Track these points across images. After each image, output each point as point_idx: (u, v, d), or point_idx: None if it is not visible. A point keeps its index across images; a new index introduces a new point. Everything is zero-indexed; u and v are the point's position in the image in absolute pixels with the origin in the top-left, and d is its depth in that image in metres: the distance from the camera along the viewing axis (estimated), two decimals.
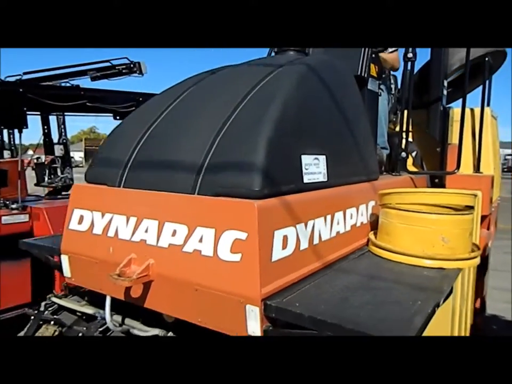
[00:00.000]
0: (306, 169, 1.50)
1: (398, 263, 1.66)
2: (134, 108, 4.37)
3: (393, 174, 2.62)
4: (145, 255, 1.44)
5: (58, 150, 5.66)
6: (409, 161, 2.87)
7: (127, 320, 1.69)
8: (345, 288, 1.38)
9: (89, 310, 1.81)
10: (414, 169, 3.04)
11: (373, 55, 2.40)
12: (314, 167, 1.55)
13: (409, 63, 2.54)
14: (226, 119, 1.51)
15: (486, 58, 3.11)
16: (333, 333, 1.09)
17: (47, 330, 1.88)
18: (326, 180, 1.62)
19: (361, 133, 2.06)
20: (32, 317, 1.94)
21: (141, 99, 4.67)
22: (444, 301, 1.45)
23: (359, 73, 2.27)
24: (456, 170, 2.72)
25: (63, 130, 5.95)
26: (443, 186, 2.99)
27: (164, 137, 1.62)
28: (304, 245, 1.42)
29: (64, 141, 5.92)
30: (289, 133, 1.45)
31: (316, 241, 1.49)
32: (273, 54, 2.84)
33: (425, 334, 1.17)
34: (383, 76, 2.69)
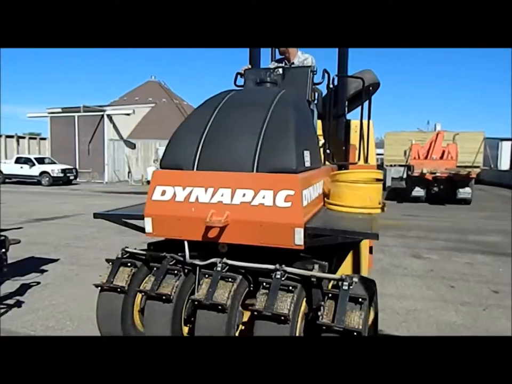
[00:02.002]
0: (305, 159, 2.66)
1: (346, 213, 2.93)
2: None
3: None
4: (222, 210, 2.41)
5: None
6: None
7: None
8: (332, 221, 2.59)
9: (160, 253, 2.67)
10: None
11: (313, 86, 3.67)
12: (307, 158, 2.71)
13: (331, 92, 3.87)
14: (261, 127, 2.56)
15: (370, 88, 4.66)
16: (343, 235, 2.28)
17: (125, 270, 2.68)
18: (310, 165, 2.79)
19: (314, 137, 3.29)
20: (111, 263, 2.71)
21: None
22: None
23: (307, 98, 3.51)
24: (357, 162, 4.19)
25: None
26: None
27: (219, 136, 2.60)
28: (309, 200, 2.57)
29: None
30: (300, 137, 2.58)
31: (311, 199, 2.66)
32: (241, 80, 3.91)
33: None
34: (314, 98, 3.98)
